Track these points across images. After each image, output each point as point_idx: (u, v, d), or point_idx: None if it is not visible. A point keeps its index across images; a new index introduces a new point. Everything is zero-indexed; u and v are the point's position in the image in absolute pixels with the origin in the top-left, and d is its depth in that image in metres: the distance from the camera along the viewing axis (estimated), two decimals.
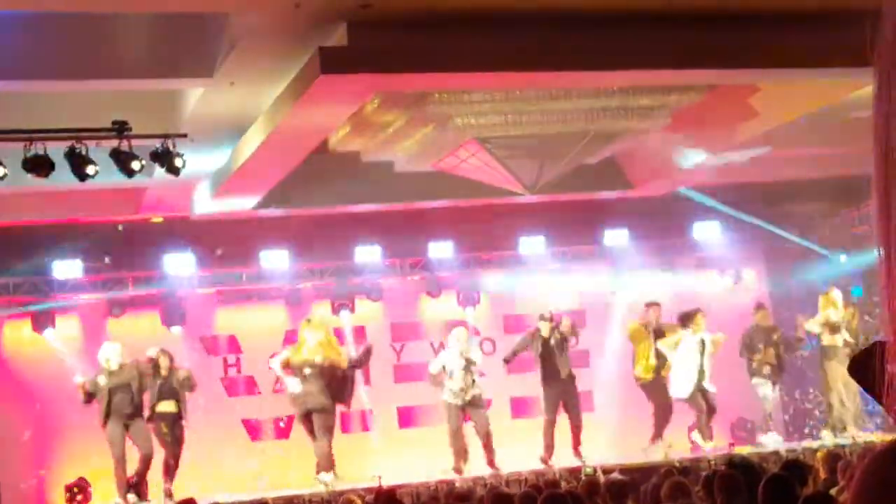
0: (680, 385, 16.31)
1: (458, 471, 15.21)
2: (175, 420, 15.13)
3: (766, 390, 16.95)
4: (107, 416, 14.75)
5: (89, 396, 14.78)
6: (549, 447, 15.86)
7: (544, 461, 15.59)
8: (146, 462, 14.85)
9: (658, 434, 16.39)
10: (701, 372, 16.20)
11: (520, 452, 15.92)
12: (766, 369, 16.90)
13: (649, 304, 17.07)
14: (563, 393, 16.10)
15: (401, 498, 12.39)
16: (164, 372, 15.14)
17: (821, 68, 11.80)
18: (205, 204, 15.98)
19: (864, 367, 1.15)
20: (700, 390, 16.21)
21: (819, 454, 12.31)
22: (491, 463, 15.40)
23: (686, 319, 16.45)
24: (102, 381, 14.74)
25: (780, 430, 17.04)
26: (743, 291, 18.90)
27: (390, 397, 17.62)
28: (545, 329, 16.14)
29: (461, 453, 15.44)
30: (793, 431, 17.57)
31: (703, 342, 16.23)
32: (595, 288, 18.65)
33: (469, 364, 15.58)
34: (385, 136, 14.20)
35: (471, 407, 15.61)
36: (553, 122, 14.13)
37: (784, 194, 18.25)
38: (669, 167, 16.64)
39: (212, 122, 13.24)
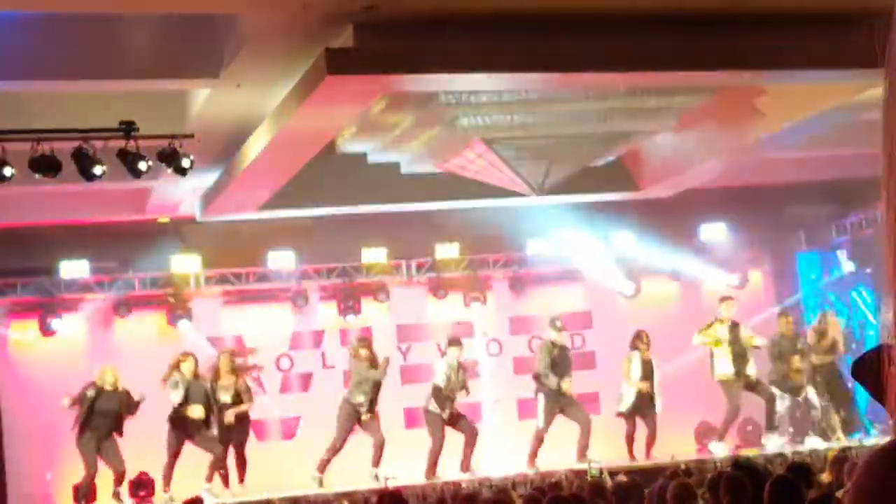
0: (623, 401, 16.35)
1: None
2: (205, 425, 15.26)
3: (783, 402, 16.84)
4: (82, 427, 14.91)
5: (76, 403, 14.96)
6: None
7: None
8: (119, 477, 15.07)
9: (724, 433, 16.44)
10: (644, 393, 16.17)
11: (524, 454, 15.94)
12: (791, 379, 16.75)
13: (723, 298, 16.89)
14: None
15: (407, 499, 12.37)
16: (188, 376, 15.19)
17: (828, 70, 11.78)
18: (211, 204, 15.98)
19: (868, 369, 1.15)
20: (641, 412, 16.22)
21: (826, 456, 12.30)
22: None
23: (633, 341, 16.45)
24: (91, 393, 14.86)
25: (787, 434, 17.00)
26: (749, 293, 18.85)
27: (397, 398, 17.58)
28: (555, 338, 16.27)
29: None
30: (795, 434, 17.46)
31: (650, 364, 16.20)
32: (601, 289, 18.62)
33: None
34: (391, 137, 14.19)
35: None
36: (559, 123, 14.11)
37: (790, 196, 18.19)
38: (676, 169, 16.61)
39: (218, 123, 13.25)
